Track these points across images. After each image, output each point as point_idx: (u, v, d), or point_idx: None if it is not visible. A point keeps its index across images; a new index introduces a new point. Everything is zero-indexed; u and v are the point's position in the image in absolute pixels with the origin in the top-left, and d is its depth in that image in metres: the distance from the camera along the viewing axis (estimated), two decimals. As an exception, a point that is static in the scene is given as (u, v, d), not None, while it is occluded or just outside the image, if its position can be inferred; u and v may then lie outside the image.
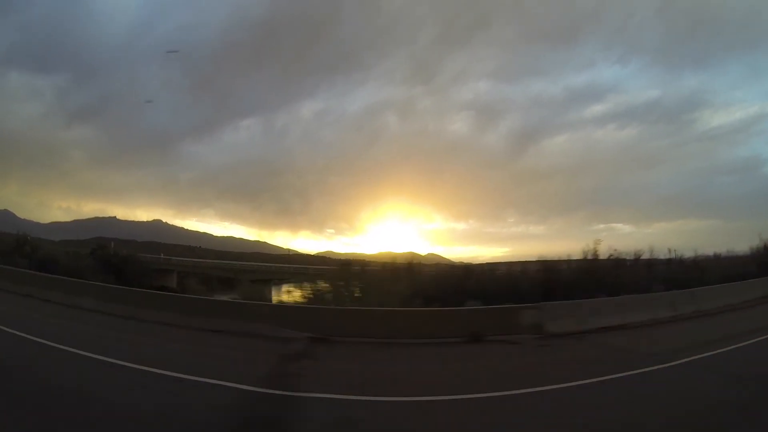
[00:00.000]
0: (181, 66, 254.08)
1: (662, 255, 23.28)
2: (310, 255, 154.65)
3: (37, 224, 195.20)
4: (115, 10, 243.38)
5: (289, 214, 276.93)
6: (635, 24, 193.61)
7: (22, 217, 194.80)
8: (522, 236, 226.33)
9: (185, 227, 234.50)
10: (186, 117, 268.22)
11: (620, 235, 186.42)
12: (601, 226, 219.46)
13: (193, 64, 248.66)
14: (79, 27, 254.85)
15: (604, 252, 18.39)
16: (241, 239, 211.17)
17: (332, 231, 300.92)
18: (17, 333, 8.73)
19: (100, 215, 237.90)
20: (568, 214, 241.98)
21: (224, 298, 18.41)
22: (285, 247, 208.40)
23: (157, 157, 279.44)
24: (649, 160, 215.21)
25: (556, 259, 18.73)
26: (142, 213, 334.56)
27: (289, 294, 19.65)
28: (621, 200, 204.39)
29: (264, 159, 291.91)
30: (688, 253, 24.56)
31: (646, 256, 20.02)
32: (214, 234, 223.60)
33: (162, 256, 60.41)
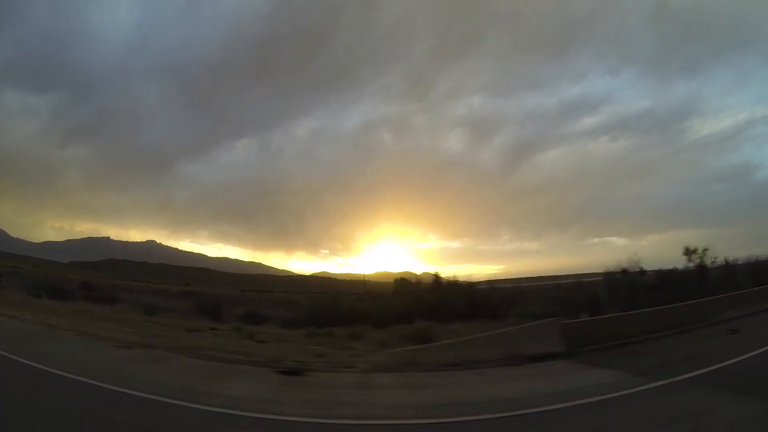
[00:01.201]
0: (178, 84, 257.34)
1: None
2: (307, 276, 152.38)
3: (30, 244, 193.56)
4: (111, 28, 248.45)
5: (283, 235, 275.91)
6: (626, 33, 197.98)
7: (15, 236, 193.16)
8: (516, 253, 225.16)
9: (179, 248, 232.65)
10: (182, 136, 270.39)
11: (614, 249, 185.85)
12: (596, 240, 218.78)
13: (189, 82, 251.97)
14: (76, 45, 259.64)
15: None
16: (236, 260, 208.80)
17: (326, 252, 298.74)
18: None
19: (94, 235, 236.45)
20: (563, 229, 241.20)
21: None
22: (280, 268, 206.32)
23: (153, 177, 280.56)
24: (642, 171, 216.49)
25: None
26: (135, 233, 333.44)
27: None
28: (614, 213, 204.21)
29: (259, 179, 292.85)
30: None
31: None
32: (209, 255, 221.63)
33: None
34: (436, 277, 24.48)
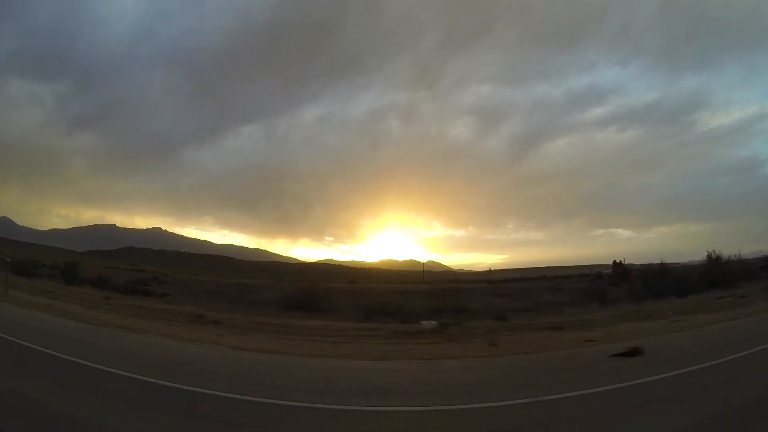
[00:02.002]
0: (184, 71, 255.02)
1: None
2: (311, 263, 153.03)
3: (36, 231, 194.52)
4: (117, 16, 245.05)
5: (288, 222, 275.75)
6: (636, 26, 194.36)
7: (21, 224, 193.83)
8: (521, 243, 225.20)
9: (185, 235, 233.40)
10: (188, 123, 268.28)
11: (620, 240, 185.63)
12: (601, 231, 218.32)
13: (195, 69, 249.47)
14: (81, 33, 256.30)
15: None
16: (241, 247, 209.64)
17: (331, 239, 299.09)
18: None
19: (100, 223, 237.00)
20: (568, 219, 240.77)
21: None
22: (285, 255, 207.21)
23: (158, 163, 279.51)
24: (649, 163, 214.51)
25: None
26: (141, 220, 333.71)
27: None
28: (621, 204, 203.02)
29: (265, 165, 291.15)
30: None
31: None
32: (214, 242, 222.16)
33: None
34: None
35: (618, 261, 44.41)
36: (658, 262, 31.50)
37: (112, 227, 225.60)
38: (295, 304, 22.40)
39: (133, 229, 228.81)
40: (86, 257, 78.35)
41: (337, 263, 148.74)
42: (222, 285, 36.23)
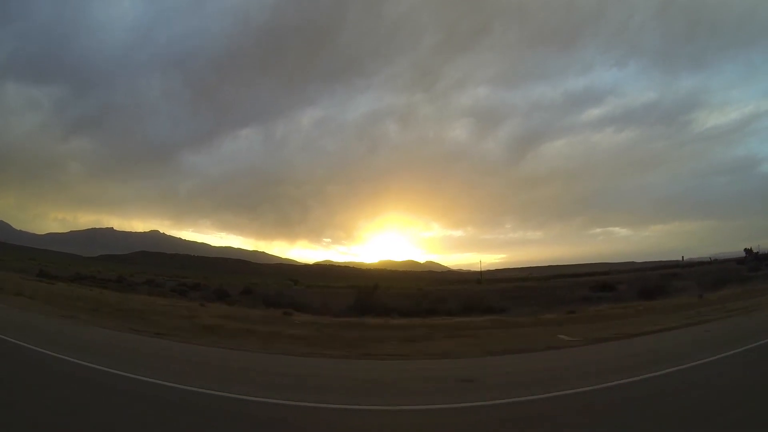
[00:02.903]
0: (182, 75, 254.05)
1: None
2: (309, 265, 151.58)
3: (34, 235, 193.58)
4: (115, 21, 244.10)
5: (286, 224, 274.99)
6: (634, 27, 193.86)
7: (19, 229, 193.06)
8: (519, 242, 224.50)
9: (183, 237, 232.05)
10: (185, 127, 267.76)
11: (618, 239, 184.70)
12: (599, 230, 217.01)
13: (193, 73, 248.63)
14: (78, 38, 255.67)
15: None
16: (239, 249, 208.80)
17: (329, 240, 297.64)
18: None
19: (97, 226, 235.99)
20: (566, 219, 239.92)
21: None
22: (283, 256, 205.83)
23: (156, 167, 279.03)
24: (646, 163, 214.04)
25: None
26: (138, 224, 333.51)
27: None
28: (618, 204, 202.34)
29: (263, 169, 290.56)
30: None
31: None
32: (212, 244, 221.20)
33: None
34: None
35: (748, 248, 53.63)
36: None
37: (110, 230, 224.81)
38: (646, 292, 25.28)
39: (131, 233, 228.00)
40: (99, 262, 76.94)
41: (341, 264, 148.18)
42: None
